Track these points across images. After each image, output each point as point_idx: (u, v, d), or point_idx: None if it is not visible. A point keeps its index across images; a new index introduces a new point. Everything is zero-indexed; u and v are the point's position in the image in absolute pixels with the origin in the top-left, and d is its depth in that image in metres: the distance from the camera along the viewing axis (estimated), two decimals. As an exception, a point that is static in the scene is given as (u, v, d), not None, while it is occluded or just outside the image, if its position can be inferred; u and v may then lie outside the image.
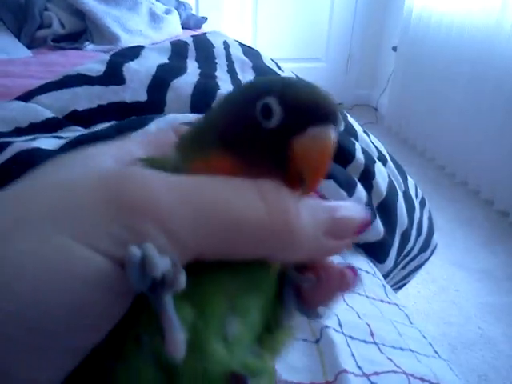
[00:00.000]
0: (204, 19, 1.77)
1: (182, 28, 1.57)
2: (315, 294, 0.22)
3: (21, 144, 0.47)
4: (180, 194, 0.17)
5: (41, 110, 0.67)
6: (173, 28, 1.48)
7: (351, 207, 0.21)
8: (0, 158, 0.45)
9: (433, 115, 2.40)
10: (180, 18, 1.57)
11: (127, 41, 1.31)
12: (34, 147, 0.46)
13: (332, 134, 0.19)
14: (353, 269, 0.21)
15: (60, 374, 0.16)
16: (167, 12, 1.51)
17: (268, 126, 0.19)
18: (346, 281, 0.21)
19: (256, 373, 0.19)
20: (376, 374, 0.41)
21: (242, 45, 0.99)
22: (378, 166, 0.68)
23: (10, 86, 1.06)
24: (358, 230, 0.21)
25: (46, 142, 0.48)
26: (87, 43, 1.37)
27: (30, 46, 1.40)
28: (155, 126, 0.50)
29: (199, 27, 1.72)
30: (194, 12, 1.90)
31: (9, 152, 0.45)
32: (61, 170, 0.20)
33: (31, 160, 0.44)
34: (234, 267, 0.19)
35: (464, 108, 2.14)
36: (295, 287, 0.22)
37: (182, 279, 0.16)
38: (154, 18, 1.44)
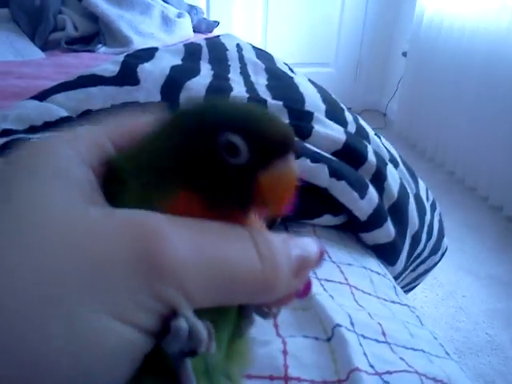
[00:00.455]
0: (216, 23, 1.78)
1: (194, 32, 1.59)
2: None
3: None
4: (192, 250, 0.17)
5: (55, 109, 0.68)
6: (184, 31, 1.49)
7: (308, 242, 0.21)
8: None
9: (442, 121, 2.40)
10: (192, 21, 1.58)
11: (139, 43, 1.33)
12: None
13: (294, 162, 0.20)
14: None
15: None
16: (179, 15, 1.52)
17: (234, 163, 0.19)
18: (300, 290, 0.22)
19: None
20: (389, 373, 0.41)
21: (254, 48, 1.00)
22: (390, 168, 0.69)
23: (23, 87, 1.08)
24: (316, 264, 0.21)
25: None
26: (100, 46, 1.39)
27: (43, 49, 1.42)
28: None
29: (210, 31, 1.74)
30: (205, 16, 1.91)
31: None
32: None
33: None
34: None
35: (474, 113, 2.13)
36: None
37: (214, 344, 0.17)
38: (166, 21, 1.45)
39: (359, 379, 0.39)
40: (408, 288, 0.86)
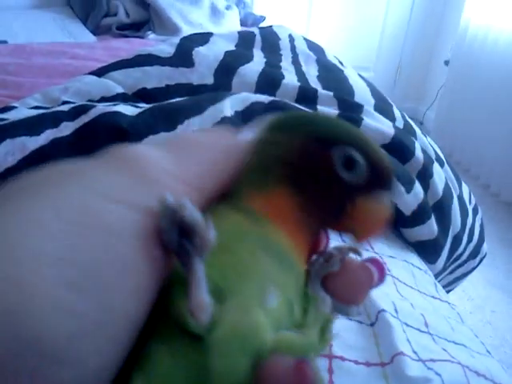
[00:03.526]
0: (262, 18, 1.80)
1: (241, 25, 1.61)
2: (342, 290, 0.21)
3: (103, 107, 0.49)
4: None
5: (112, 85, 0.71)
6: (232, 24, 1.51)
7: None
8: (84, 118, 0.48)
9: (480, 133, 2.35)
10: (239, 14, 1.60)
11: (188, 32, 1.34)
12: (116, 110, 0.48)
13: (391, 201, 0.20)
14: (377, 262, 0.21)
15: (110, 359, 0.15)
16: (228, 8, 1.54)
17: (348, 179, 0.19)
18: (369, 273, 0.21)
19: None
20: (432, 360, 0.41)
21: (306, 39, 1.01)
22: (436, 166, 0.68)
23: (76, 66, 1.12)
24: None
25: (126, 109, 0.50)
26: (149, 32, 1.42)
27: (95, 33, 1.46)
28: (229, 102, 0.52)
29: (256, 26, 1.75)
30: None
31: (92, 113, 0.48)
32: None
33: (113, 121, 0.47)
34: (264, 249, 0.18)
35: (513, 128, 2.09)
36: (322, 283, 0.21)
37: (212, 234, 0.16)
38: (214, 12, 1.48)
39: (404, 363, 0.39)
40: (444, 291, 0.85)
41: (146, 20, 1.49)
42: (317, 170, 0.19)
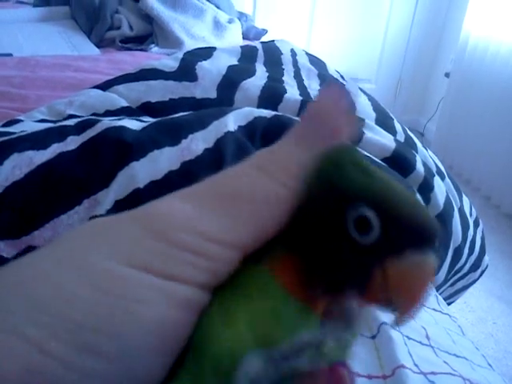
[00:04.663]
0: (264, 31, 1.82)
1: (243, 38, 1.62)
2: None
3: (109, 122, 0.50)
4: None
5: (117, 98, 0.72)
6: (234, 37, 1.53)
7: None
8: (90, 133, 0.49)
9: (481, 145, 2.36)
10: (241, 28, 1.62)
11: (191, 46, 1.37)
12: (121, 125, 0.49)
13: (433, 262, 0.17)
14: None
15: None
16: (230, 21, 1.56)
17: (363, 243, 0.16)
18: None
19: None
20: (433, 373, 0.41)
21: (308, 54, 1.02)
22: (437, 179, 0.69)
23: (80, 79, 1.13)
24: None
25: (131, 123, 0.51)
26: (153, 46, 1.43)
27: (98, 46, 1.48)
28: (233, 117, 0.53)
29: (258, 39, 1.77)
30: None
31: (98, 127, 0.49)
32: None
33: (118, 136, 0.47)
34: None
35: (514, 140, 2.10)
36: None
37: None
38: (217, 26, 1.50)
39: (405, 376, 0.39)
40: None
41: (150, 33, 1.51)
42: (331, 239, 0.17)
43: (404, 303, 0.17)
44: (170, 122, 0.51)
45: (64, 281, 0.14)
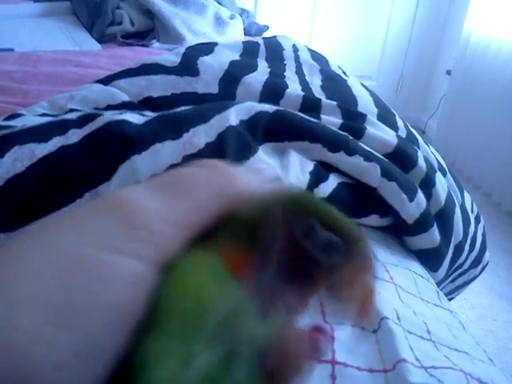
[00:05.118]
0: (265, 27, 1.81)
1: (244, 35, 1.62)
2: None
3: (110, 116, 0.50)
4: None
5: (119, 93, 0.72)
6: (236, 33, 1.53)
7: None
8: (92, 126, 0.49)
9: (482, 142, 2.36)
10: (243, 24, 1.62)
11: (192, 42, 1.37)
12: (123, 119, 0.49)
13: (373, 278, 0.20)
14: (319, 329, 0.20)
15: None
16: (232, 17, 1.56)
17: (325, 261, 0.19)
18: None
19: None
20: (434, 367, 0.41)
21: (310, 49, 1.02)
22: (439, 176, 0.69)
23: (81, 74, 1.13)
24: None
25: (132, 117, 0.51)
26: (154, 41, 1.43)
27: (100, 41, 1.48)
28: (235, 111, 0.53)
29: (260, 35, 1.77)
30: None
31: (100, 121, 0.49)
32: None
33: (120, 129, 0.47)
34: None
35: (516, 137, 2.09)
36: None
37: None
38: (219, 22, 1.49)
39: (406, 370, 0.39)
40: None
41: (151, 29, 1.51)
42: (297, 257, 0.20)
43: (361, 304, 0.20)
44: (171, 115, 0.51)
45: (35, 265, 0.16)
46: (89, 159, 0.44)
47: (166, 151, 0.45)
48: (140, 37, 1.50)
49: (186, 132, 0.47)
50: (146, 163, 0.43)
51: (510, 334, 1.48)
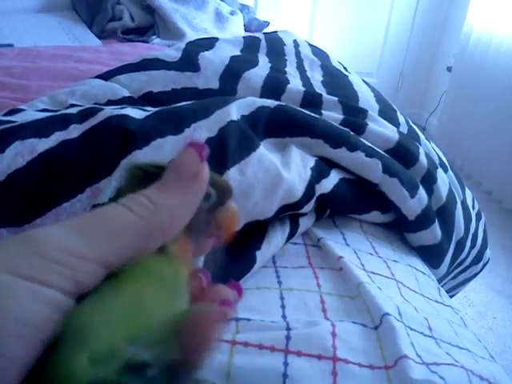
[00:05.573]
0: (266, 23, 1.81)
1: (245, 31, 1.61)
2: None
3: (111, 110, 0.50)
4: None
5: (119, 88, 0.71)
6: (236, 29, 1.52)
7: None
8: (92, 121, 0.48)
9: (483, 139, 2.35)
10: (243, 20, 1.61)
11: (192, 37, 1.36)
12: (124, 113, 0.49)
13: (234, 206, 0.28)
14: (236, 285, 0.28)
15: None
16: (232, 13, 1.55)
17: (206, 207, 0.26)
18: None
19: None
20: (436, 364, 0.41)
21: (311, 45, 1.01)
22: (440, 172, 0.69)
23: (81, 70, 1.13)
24: None
25: (133, 112, 0.51)
26: (154, 37, 1.43)
27: (100, 37, 1.47)
28: (236, 106, 0.53)
29: (260, 31, 1.76)
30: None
31: (101, 116, 0.49)
32: None
33: (121, 124, 0.47)
34: None
35: (517, 134, 2.09)
36: None
37: None
38: (219, 17, 1.49)
39: (408, 366, 0.39)
40: (446, 296, 0.85)
41: (151, 24, 1.50)
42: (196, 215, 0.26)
43: (228, 230, 0.28)
44: (172, 110, 0.51)
45: None
46: (90, 154, 0.44)
47: (168, 146, 0.44)
48: (140, 32, 1.49)
49: (188, 127, 0.47)
50: (148, 158, 0.43)
51: (509, 332, 1.48)
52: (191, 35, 1.39)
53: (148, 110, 0.53)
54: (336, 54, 3.13)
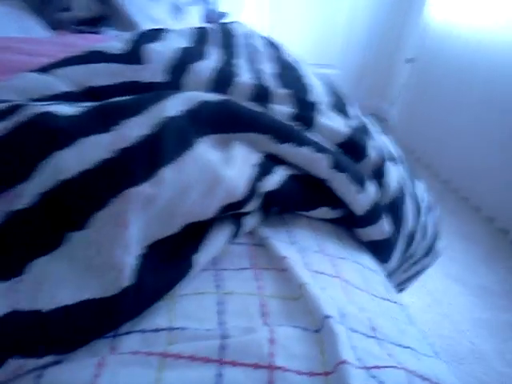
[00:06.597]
0: (225, 14, 1.77)
1: (203, 22, 1.57)
2: None
3: (35, 107, 0.46)
4: None
5: (56, 83, 0.67)
6: (193, 20, 1.48)
7: None
8: (13, 119, 0.44)
9: (442, 129, 2.40)
10: (202, 11, 1.57)
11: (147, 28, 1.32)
12: (49, 111, 0.45)
13: None
14: None
15: None
16: (190, 4, 1.51)
17: None
18: None
19: None
20: (377, 367, 0.40)
21: (263, 37, 0.99)
22: (389, 165, 0.68)
23: (24, 62, 1.06)
24: None
25: (64, 109, 0.47)
26: (107, 28, 1.37)
27: (54, 28, 1.40)
28: (175, 101, 0.50)
29: (218, 22, 1.73)
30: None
31: (22, 114, 0.45)
32: None
33: (43, 123, 0.43)
34: None
35: (473, 125, 2.14)
36: None
37: None
38: (176, 8, 1.44)
39: (346, 372, 0.37)
40: (397, 290, 0.85)
41: (105, 16, 1.44)
42: None
43: None
44: (104, 106, 0.48)
45: None
46: (6, 156, 0.40)
47: (93, 146, 0.41)
48: (93, 24, 1.43)
49: (116, 124, 0.44)
50: (71, 159, 0.40)
51: (465, 318, 1.52)
52: (146, 27, 1.34)
53: (81, 106, 0.50)
54: (298, 46, 3.12)
